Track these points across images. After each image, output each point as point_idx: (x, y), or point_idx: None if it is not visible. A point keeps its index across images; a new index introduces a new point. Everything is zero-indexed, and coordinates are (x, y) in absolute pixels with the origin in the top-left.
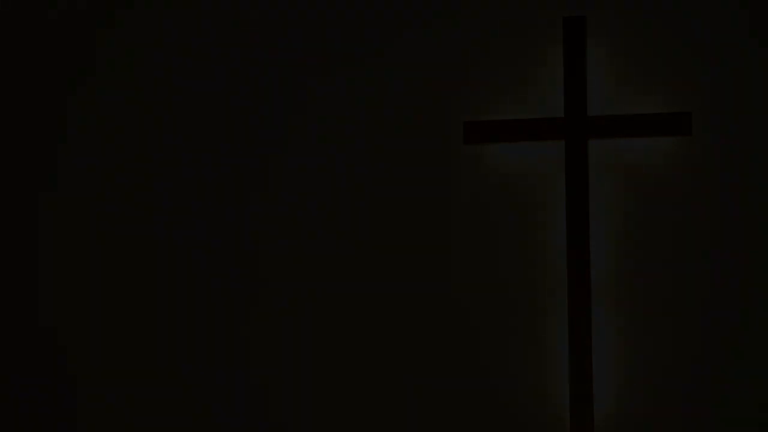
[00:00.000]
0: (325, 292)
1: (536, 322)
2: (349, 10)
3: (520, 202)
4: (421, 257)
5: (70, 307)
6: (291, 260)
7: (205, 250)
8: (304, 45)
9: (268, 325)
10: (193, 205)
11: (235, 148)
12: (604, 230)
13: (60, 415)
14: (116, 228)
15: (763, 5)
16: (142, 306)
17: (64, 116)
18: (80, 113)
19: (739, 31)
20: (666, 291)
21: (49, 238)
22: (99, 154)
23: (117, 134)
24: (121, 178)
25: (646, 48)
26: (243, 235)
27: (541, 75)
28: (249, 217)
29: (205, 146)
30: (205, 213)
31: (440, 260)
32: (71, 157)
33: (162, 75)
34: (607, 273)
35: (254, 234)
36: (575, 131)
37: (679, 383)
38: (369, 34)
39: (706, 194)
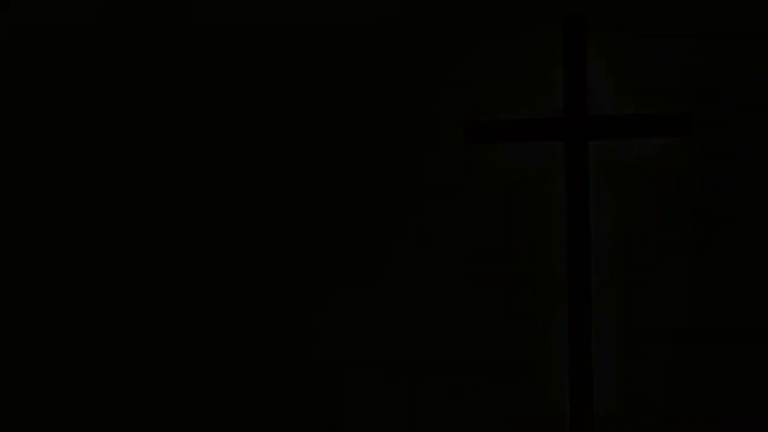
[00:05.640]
0: (323, 294)
1: (536, 321)
2: (349, 11)
3: (520, 202)
4: (420, 257)
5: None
6: (290, 260)
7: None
8: (304, 47)
9: (271, 327)
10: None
11: (234, 147)
12: (604, 230)
13: None
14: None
15: (763, 5)
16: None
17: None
18: None
19: (738, 31)
20: (666, 291)
21: None
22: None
23: None
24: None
25: (646, 48)
26: (242, 242)
27: (541, 75)
28: (247, 219)
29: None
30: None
31: (440, 260)
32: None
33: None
34: (607, 273)
35: (253, 239)
36: (575, 131)
37: (678, 383)
38: (369, 34)
39: (705, 194)
